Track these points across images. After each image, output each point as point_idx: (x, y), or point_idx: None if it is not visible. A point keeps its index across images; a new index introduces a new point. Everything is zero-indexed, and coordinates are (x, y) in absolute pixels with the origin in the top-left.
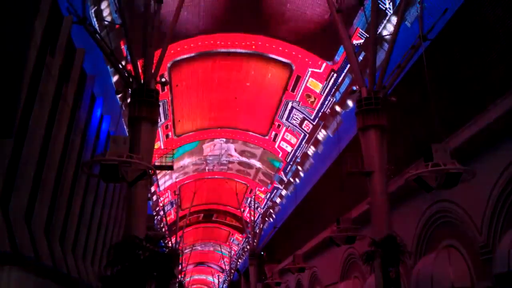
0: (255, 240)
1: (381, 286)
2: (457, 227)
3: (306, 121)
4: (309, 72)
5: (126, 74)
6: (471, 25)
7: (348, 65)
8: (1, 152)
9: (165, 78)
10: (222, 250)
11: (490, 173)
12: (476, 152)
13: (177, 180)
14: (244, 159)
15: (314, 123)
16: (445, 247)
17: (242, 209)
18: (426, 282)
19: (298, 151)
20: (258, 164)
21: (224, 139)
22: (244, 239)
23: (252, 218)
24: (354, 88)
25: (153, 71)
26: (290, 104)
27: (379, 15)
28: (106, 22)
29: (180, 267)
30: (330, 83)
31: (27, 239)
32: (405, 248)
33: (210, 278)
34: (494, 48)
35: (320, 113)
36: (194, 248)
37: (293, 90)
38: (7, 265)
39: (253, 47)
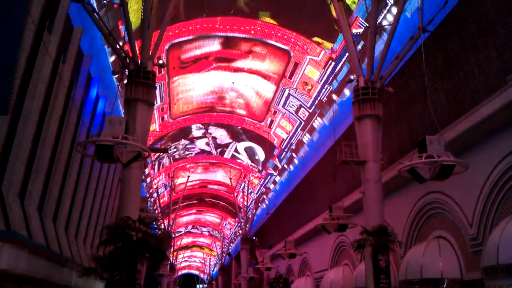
0: (247, 225)
1: (371, 274)
2: (448, 218)
3: (302, 109)
4: (307, 59)
5: (123, 55)
6: (470, 18)
7: (347, 54)
8: None
9: (163, 60)
10: (214, 233)
11: (484, 166)
12: (470, 145)
13: (171, 162)
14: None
15: (310, 111)
16: (436, 238)
17: (235, 194)
18: (416, 272)
19: (293, 138)
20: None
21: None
22: (236, 224)
23: (245, 203)
24: (352, 77)
25: (150, 52)
26: (287, 91)
27: (380, 5)
28: (104, 1)
29: (172, 249)
30: (328, 72)
31: (20, 217)
32: (395, 237)
33: (201, 261)
34: (492, 43)
35: (317, 101)
36: (186, 231)
37: (290, 77)
38: None
39: (252, 32)
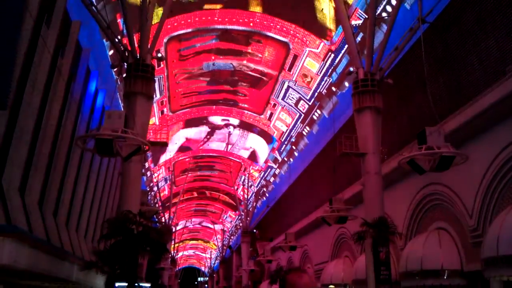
0: (248, 218)
1: (371, 266)
2: (448, 210)
3: (302, 101)
4: (307, 51)
5: (122, 48)
6: (470, 9)
7: (346, 46)
8: None
9: (161, 54)
10: (215, 227)
11: (483, 157)
12: (470, 136)
13: (171, 156)
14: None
15: (310, 103)
16: (436, 229)
17: (235, 187)
18: (416, 263)
19: (293, 130)
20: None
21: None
22: (237, 217)
23: (246, 196)
24: (351, 69)
25: (149, 46)
26: (286, 84)
27: None
28: None
29: (172, 243)
30: (327, 64)
31: (21, 212)
32: (396, 229)
33: (202, 254)
34: (491, 33)
35: (316, 93)
36: (187, 224)
37: (289, 70)
38: (0, 237)
39: (251, 24)
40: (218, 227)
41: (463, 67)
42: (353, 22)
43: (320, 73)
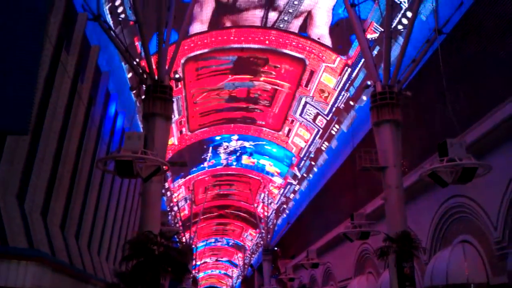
0: (269, 236)
1: (396, 281)
2: (472, 222)
3: (319, 116)
4: (323, 67)
5: (140, 71)
6: (487, 18)
7: (363, 60)
8: (18, 148)
9: (179, 74)
10: (236, 245)
11: (506, 168)
12: (491, 147)
13: (191, 175)
14: None
15: (328, 118)
16: (460, 242)
17: (255, 205)
18: (441, 277)
19: (312, 146)
20: None
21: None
22: (257, 235)
23: (266, 213)
24: (369, 82)
25: (167, 67)
26: (303, 99)
27: (394, 9)
28: (120, 19)
29: (194, 262)
30: (344, 78)
31: (43, 235)
32: (419, 243)
33: (223, 273)
34: (510, 41)
35: (334, 108)
36: (207, 243)
37: (306, 85)
38: (24, 260)
39: (267, 42)
40: (239, 245)
41: (482, 77)
42: (369, 36)
43: (337, 87)
